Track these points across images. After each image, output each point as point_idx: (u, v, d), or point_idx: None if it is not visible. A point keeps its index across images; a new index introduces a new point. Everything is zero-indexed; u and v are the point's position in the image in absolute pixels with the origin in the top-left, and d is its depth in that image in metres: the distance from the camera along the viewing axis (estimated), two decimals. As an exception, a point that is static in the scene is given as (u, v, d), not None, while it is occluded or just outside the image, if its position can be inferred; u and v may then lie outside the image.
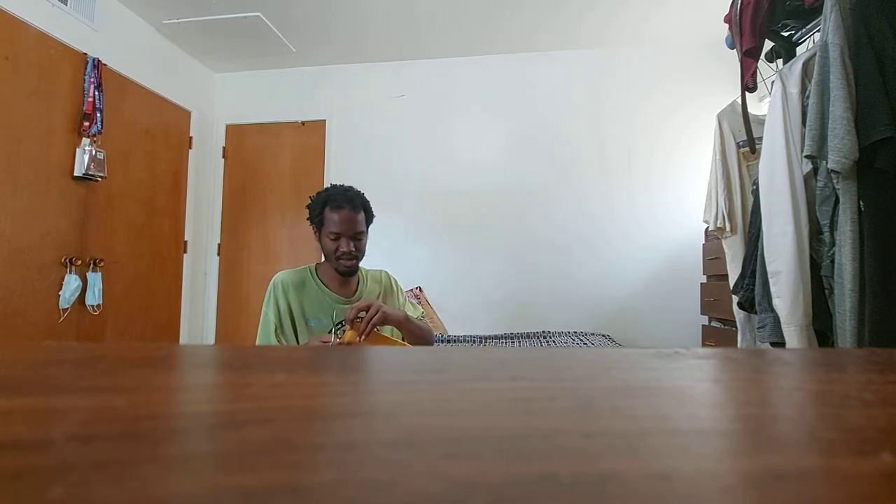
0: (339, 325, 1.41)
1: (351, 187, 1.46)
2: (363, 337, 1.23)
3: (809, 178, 1.45)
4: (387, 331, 1.42)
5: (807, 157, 1.37)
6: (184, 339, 3.48)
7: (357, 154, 3.63)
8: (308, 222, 1.47)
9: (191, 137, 3.55)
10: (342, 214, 1.39)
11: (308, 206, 1.46)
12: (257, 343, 1.38)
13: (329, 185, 1.47)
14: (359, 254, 1.42)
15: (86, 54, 2.68)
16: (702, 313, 2.85)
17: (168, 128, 3.33)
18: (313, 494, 0.12)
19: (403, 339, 1.45)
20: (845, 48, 1.27)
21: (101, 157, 2.68)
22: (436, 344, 2.80)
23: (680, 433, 0.18)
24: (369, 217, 1.45)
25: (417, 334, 1.41)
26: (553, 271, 3.35)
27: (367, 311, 1.26)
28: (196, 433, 0.18)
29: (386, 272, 1.59)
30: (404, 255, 3.47)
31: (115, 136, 2.83)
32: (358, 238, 1.41)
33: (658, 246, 3.26)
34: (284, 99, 3.76)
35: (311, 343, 1.25)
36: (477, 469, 0.14)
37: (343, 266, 1.41)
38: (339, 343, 1.22)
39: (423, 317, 1.54)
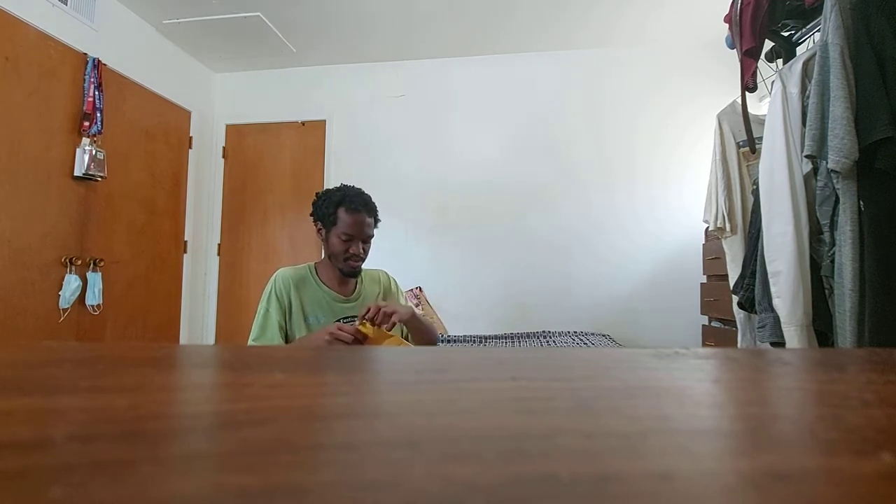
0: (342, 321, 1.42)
1: (362, 190, 1.47)
2: (383, 326, 1.26)
3: (809, 178, 1.45)
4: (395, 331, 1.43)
5: (807, 157, 1.37)
6: (184, 339, 3.48)
7: (357, 154, 3.63)
8: (311, 218, 1.47)
9: (191, 137, 3.55)
10: (357, 217, 1.40)
11: (315, 203, 1.46)
12: (252, 337, 1.38)
13: (341, 185, 1.47)
14: (366, 256, 1.45)
15: (86, 54, 2.68)
16: (702, 313, 2.85)
17: (168, 128, 3.33)
18: (313, 494, 0.12)
19: (408, 339, 1.46)
20: (845, 48, 1.27)
21: (101, 157, 2.68)
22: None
23: (680, 433, 0.18)
24: (377, 221, 1.48)
25: (423, 331, 1.43)
26: (553, 271, 3.35)
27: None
28: (196, 433, 0.18)
29: (385, 272, 1.59)
30: (404, 255, 3.47)
31: (115, 136, 2.83)
32: (367, 241, 1.44)
33: (658, 246, 3.26)
34: (284, 99, 3.76)
35: (327, 328, 1.25)
36: (477, 469, 0.14)
37: (349, 267, 1.42)
38: (356, 333, 1.23)
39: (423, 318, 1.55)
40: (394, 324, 1.27)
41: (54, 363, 0.30)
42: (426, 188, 3.53)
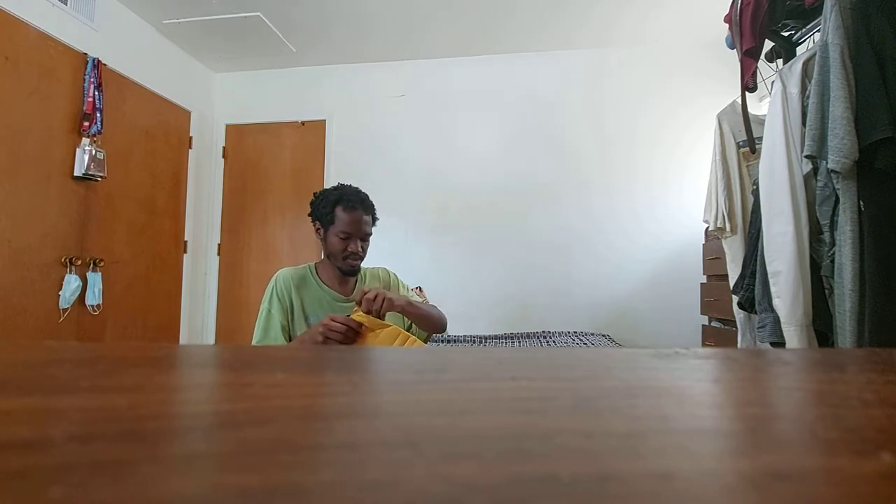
0: None
1: (359, 188, 1.47)
2: (378, 313, 1.22)
3: (809, 178, 1.45)
4: (396, 319, 1.42)
5: (807, 157, 1.37)
6: (184, 339, 3.48)
7: (357, 154, 3.63)
8: (310, 218, 1.47)
9: (191, 137, 3.55)
10: (355, 215, 1.40)
11: (313, 203, 1.46)
12: (256, 339, 1.38)
13: (338, 184, 1.47)
14: (364, 254, 1.44)
15: (86, 54, 2.68)
16: (702, 313, 2.85)
17: (168, 128, 3.33)
18: (313, 494, 0.12)
19: (412, 326, 1.45)
20: (845, 48, 1.27)
21: (101, 157, 2.68)
22: (436, 344, 2.80)
23: (680, 433, 0.18)
24: (375, 220, 1.48)
25: (424, 315, 1.39)
26: (553, 271, 3.35)
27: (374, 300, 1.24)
28: (196, 433, 0.18)
29: (384, 268, 1.59)
30: (405, 255, 3.47)
31: (115, 136, 2.83)
32: (366, 240, 1.44)
33: (658, 246, 3.27)
34: (284, 99, 3.76)
35: (320, 323, 1.22)
36: (477, 469, 0.14)
37: (348, 266, 1.42)
38: (348, 321, 1.20)
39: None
40: (383, 312, 1.23)
41: (54, 363, 0.30)
42: (426, 188, 3.54)
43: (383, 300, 1.23)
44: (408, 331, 1.41)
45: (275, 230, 3.70)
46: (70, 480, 0.13)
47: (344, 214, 1.40)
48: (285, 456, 0.15)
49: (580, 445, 0.16)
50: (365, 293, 1.23)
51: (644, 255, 3.28)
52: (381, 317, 1.25)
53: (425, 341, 1.50)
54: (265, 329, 1.36)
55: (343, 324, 1.18)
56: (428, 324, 1.42)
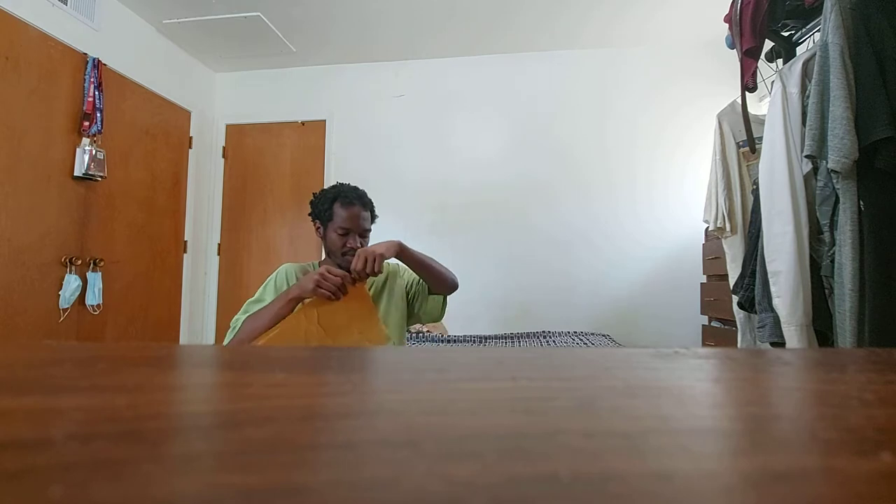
0: None
1: (357, 186, 1.48)
2: (373, 268, 1.25)
3: (809, 178, 1.45)
4: (399, 314, 1.43)
5: (807, 157, 1.37)
6: (184, 338, 3.48)
7: (357, 154, 3.63)
8: (310, 217, 1.49)
9: (191, 137, 3.55)
10: (353, 211, 1.41)
11: (312, 202, 1.47)
12: (235, 318, 1.39)
13: (336, 183, 1.49)
14: None
15: (86, 54, 2.68)
16: (702, 313, 2.85)
17: (168, 128, 3.33)
18: (313, 494, 0.12)
19: (413, 288, 1.47)
20: (845, 48, 1.27)
21: (101, 157, 2.68)
22: (436, 344, 2.80)
23: (680, 433, 0.18)
24: (374, 216, 1.48)
25: (424, 262, 1.41)
26: (553, 271, 3.35)
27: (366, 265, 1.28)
28: (196, 433, 0.18)
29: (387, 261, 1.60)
30: (404, 255, 3.46)
31: (115, 136, 2.83)
32: (365, 235, 1.45)
33: (658, 246, 3.26)
34: (284, 99, 3.76)
35: (319, 270, 1.25)
36: (477, 469, 0.14)
37: (348, 262, 1.43)
38: (345, 278, 1.23)
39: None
40: (377, 267, 1.27)
41: (54, 363, 0.30)
42: (426, 188, 3.54)
43: (375, 256, 1.26)
44: (408, 324, 1.43)
45: (275, 230, 3.70)
46: (70, 480, 0.13)
47: (342, 210, 1.41)
48: (285, 456, 0.15)
49: (580, 445, 0.16)
50: (364, 256, 1.25)
51: (644, 255, 3.28)
52: (376, 274, 1.28)
53: (438, 316, 1.51)
54: (245, 312, 1.39)
55: (340, 277, 1.21)
56: (432, 274, 1.42)
